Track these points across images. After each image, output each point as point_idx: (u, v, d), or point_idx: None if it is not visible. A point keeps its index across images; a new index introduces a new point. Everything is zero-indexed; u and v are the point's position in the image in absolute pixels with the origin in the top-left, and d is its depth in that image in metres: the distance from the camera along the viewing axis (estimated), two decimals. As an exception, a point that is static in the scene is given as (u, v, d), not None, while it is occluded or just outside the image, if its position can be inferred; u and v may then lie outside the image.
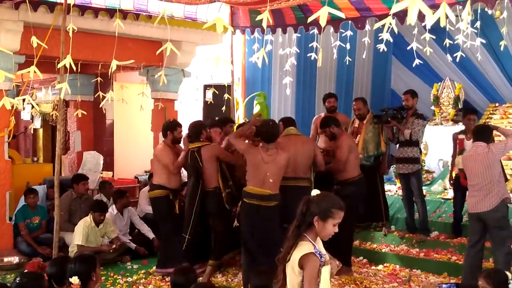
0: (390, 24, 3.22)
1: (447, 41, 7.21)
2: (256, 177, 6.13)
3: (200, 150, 6.63)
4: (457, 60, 7.43)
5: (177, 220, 6.89)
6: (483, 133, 6.15)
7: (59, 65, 4.99)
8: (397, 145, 7.85)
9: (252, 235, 6.20)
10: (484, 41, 7.59)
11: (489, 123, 6.89)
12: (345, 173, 6.81)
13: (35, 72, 4.44)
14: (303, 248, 3.15)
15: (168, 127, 7.08)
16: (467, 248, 6.25)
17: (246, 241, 6.25)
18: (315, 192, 3.34)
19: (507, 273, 3.56)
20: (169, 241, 6.96)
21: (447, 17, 2.60)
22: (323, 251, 3.25)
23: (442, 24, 2.61)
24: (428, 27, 6.89)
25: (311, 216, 3.20)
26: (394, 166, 9.69)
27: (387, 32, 6.51)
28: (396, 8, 2.61)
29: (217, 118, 7.87)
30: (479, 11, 6.76)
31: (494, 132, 6.47)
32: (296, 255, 3.17)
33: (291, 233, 3.24)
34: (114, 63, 4.38)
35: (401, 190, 8.68)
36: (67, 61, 4.32)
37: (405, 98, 7.73)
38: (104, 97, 5.22)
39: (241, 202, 6.28)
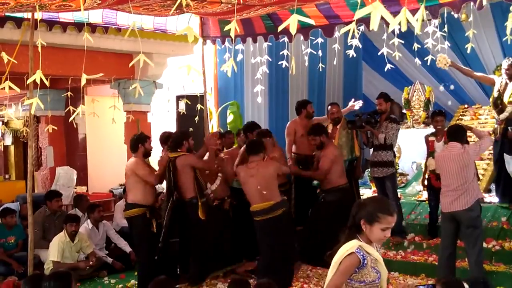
0: (359, 30, 3.27)
1: (416, 45, 7.31)
2: (251, 194, 6.30)
3: (175, 160, 6.60)
4: (428, 63, 7.54)
5: (155, 240, 6.70)
6: (457, 134, 6.23)
7: (29, 81, 4.93)
8: (372, 149, 7.92)
9: (272, 249, 6.27)
10: (449, 44, 7.72)
11: (461, 124, 7.03)
12: (331, 181, 6.92)
13: (3, 88, 4.38)
14: (347, 245, 3.21)
15: (138, 140, 6.80)
16: (440, 250, 6.33)
17: (266, 258, 6.35)
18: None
19: (465, 284, 3.60)
20: (148, 261, 6.70)
21: (408, 22, 2.64)
22: (375, 255, 3.22)
23: (403, 29, 2.66)
24: (389, 31, 6.95)
25: (358, 219, 3.23)
26: (369, 170, 9.80)
27: (355, 38, 6.63)
28: (358, 14, 2.65)
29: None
30: (445, 15, 6.87)
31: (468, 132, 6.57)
32: (339, 251, 3.24)
33: (345, 234, 3.30)
34: (83, 77, 4.35)
35: (376, 194, 8.77)
36: (37, 76, 4.27)
37: (379, 103, 7.81)
38: (74, 112, 5.15)
39: (255, 222, 6.39)
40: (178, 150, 6.70)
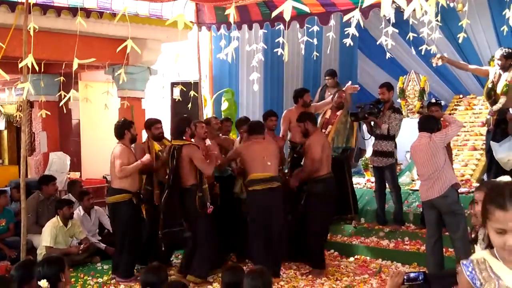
0: (358, 19, 3.26)
1: (411, 35, 7.30)
2: (254, 163, 6.46)
3: (182, 149, 6.42)
4: (422, 53, 7.52)
5: (141, 227, 6.64)
6: (427, 124, 6.32)
7: (21, 65, 4.89)
8: (373, 138, 7.92)
9: (267, 223, 6.40)
10: (442, 35, 7.73)
11: (432, 114, 7.04)
12: (317, 170, 6.74)
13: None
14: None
15: (123, 126, 6.70)
16: (426, 239, 6.38)
17: (260, 233, 6.41)
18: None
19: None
20: (130, 249, 6.65)
21: (422, 8, 2.63)
22: (505, 279, 2.03)
23: (418, 16, 2.66)
24: (392, 20, 6.99)
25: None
26: (362, 159, 9.82)
27: (354, 26, 6.62)
28: (369, 0, 2.64)
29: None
30: (440, 4, 6.86)
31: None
32: None
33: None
34: (75, 62, 4.34)
35: (369, 183, 8.80)
36: (29, 60, 4.25)
37: (381, 92, 7.77)
38: (65, 97, 5.11)
39: (249, 192, 6.50)
40: (183, 138, 6.55)
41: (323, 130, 7.86)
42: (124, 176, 6.55)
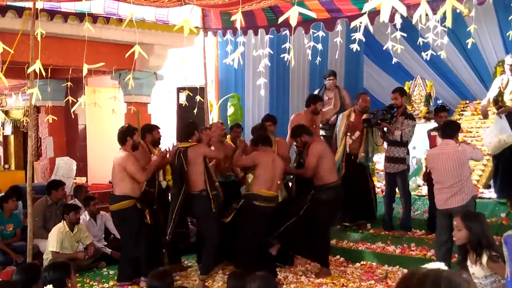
0: (366, 24, 3.26)
1: (420, 40, 7.31)
2: (266, 180, 6.52)
3: (187, 151, 6.43)
4: (428, 58, 7.50)
5: (147, 232, 6.60)
6: (451, 130, 6.23)
7: (29, 70, 4.91)
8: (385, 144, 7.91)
9: (264, 236, 6.61)
10: (448, 40, 7.73)
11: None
12: (321, 179, 6.81)
13: (1, 79, 4.38)
14: None
15: (126, 132, 6.63)
16: (436, 246, 6.34)
17: (256, 245, 6.54)
18: None
19: None
20: (129, 254, 6.68)
21: (426, 14, 2.62)
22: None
23: (423, 22, 2.65)
24: (398, 26, 6.99)
25: None
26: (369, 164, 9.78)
27: (361, 31, 6.62)
28: (369, 5, 2.63)
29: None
30: (451, 10, 6.86)
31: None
32: None
33: None
34: (85, 67, 4.35)
35: (376, 189, 8.77)
36: (37, 66, 4.26)
37: (394, 97, 7.72)
38: (74, 102, 5.13)
39: (252, 206, 6.49)
40: (189, 140, 6.57)
41: (349, 133, 7.86)
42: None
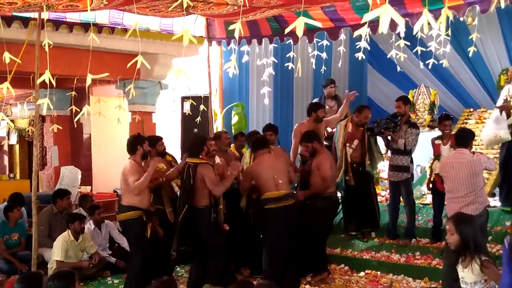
0: (369, 33, 3.28)
1: (419, 48, 7.31)
2: (266, 183, 6.40)
3: (197, 167, 6.27)
4: (429, 66, 7.50)
5: (149, 244, 6.48)
6: (465, 139, 6.18)
7: (38, 81, 4.94)
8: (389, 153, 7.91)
9: (286, 241, 6.37)
10: (452, 49, 7.74)
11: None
12: (326, 188, 6.86)
13: (8, 88, 4.40)
14: None
15: (136, 141, 6.52)
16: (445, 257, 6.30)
17: (281, 251, 6.37)
18: None
19: None
20: (140, 266, 6.48)
21: (429, 23, 2.64)
22: None
23: (425, 31, 2.67)
24: (402, 34, 7.02)
25: None
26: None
27: (364, 41, 6.66)
28: (368, 16, 2.65)
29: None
30: (450, 18, 6.88)
31: None
32: None
33: None
34: (89, 77, 4.37)
35: (379, 197, 8.76)
36: (46, 76, 4.29)
37: (398, 105, 7.68)
38: (79, 112, 5.14)
39: (264, 211, 6.40)
40: (200, 156, 6.41)
41: (347, 144, 7.81)
42: (139, 192, 6.38)
